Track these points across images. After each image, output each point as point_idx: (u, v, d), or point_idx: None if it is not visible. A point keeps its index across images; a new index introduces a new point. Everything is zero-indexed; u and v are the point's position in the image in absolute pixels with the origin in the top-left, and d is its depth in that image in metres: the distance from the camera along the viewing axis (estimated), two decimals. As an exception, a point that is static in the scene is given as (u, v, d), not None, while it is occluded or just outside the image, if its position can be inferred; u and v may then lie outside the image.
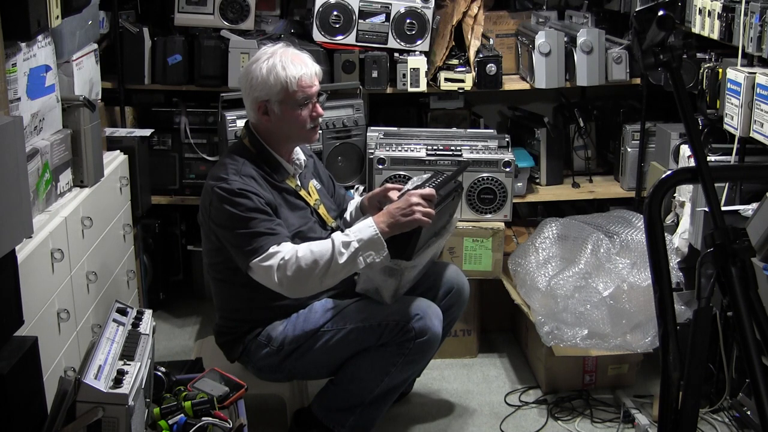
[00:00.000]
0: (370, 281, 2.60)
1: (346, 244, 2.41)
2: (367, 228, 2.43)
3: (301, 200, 2.67)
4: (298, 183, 2.70)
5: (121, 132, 3.43)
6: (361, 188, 3.40)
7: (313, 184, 2.78)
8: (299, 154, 2.74)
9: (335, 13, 3.56)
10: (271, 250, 2.43)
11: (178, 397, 2.32)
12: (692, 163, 2.17)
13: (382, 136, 3.45)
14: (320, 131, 3.31)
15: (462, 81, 3.55)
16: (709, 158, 2.76)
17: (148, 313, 2.37)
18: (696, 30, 3.15)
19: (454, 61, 3.60)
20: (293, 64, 2.54)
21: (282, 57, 2.55)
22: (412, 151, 3.26)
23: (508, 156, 3.25)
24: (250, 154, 2.60)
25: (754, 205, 2.64)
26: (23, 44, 2.43)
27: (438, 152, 3.27)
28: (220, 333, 2.76)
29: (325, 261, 2.40)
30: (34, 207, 2.44)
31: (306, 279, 2.42)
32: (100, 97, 3.25)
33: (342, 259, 2.40)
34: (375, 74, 3.56)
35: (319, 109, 2.62)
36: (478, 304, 3.41)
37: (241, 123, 3.27)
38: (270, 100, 2.54)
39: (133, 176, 3.30)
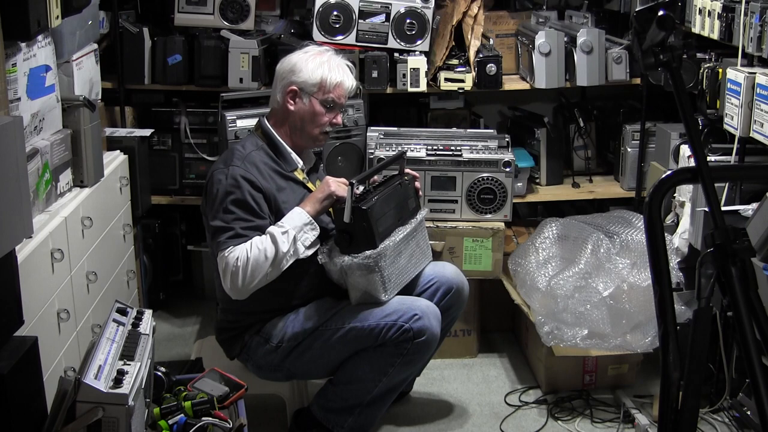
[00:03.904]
0: (357, 289, 2.62)
1: (284, 233, 2.52)
2: (297, 215, 2.57)
3: (309, 192, 2.70)
4: (306, 177, 2.74)
5: (121, 132, 3.43)
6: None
7: (320, 183, 2.81)
8: (310, 153, 2.83)
9: (335, 13, 3.56)
10: (225, 252, 2.50)
11: (178, 397, 2.32)
12: (692, 163, 2.17)
13: (382, 136, 3.45)
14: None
15: (462, 81, 3.55)
16: (709, 158, 2.76)
17: (148, 313, 2.37)
18: (696, 30, 3.15)
19: (454, 61, 3.60)
20: (339, 70, 2.69)
21: (331, 59, 2.70)
22: (412, 151, 3.26)
23: (508, 156, 3.25)
24: (259, 144, 2.67)
25: (754, 205, 2.64)
26: (23, 44, 2.43)
27: (438, 152, 3.27)
28: (221, 329, 2.77)
29: (270, 253, 2.49)
30: (34, 207, 2.44)
31: (255, 276, 2.50)
32: (100, 97, 3.25)
33: (284, 248, 2.51)
34: (375, 74, 3.56)
35: (339, 119, 2.74)
36: (478, 304, 3.41)
37: (241, 123, 3.27)
38: (304, 89, 2.65)
39: (133, 176, 3.30)
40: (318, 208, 2.59)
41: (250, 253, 2.48)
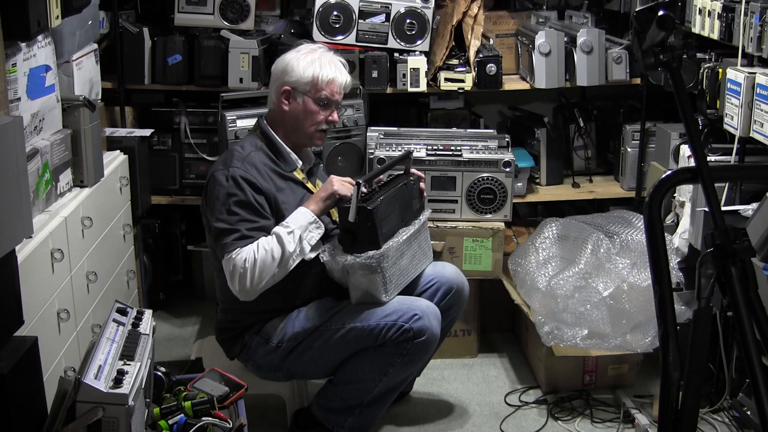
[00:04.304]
0: (358, 288, 2.61)
1: (290, 233, 2.52)
2: (302, 214, 2.57)
3: (309, 192, 2.70)
4: (305, 177, 2.74)
5: (121, 132, 3.43)
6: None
7: (319, 183, 2.81)
8: (309, 152, 2.82)
9: (335, 13, 3.56)
10: (232, 254, 2.50)
11: (178, 397, 2.32)
12: (692, 163, 2.17)
13: (382, 136, 3.45)
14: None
15: (462, 81, 3.55)
16: (709, 158, 2.76)
17: (148, 313, 2.37)
18: (696, 30, 3.15)
19: (454, 61, 3.60)
20: (330, 66, 2.67)
21: (322, 56, 2.69)
22: (413, 151, 3.25)
23: (508, 156, 3.25)
24: (258, 144, 2.67)
25: (754, 205, 2.64)
26: (23, 44, 2.43)
27: (438, 152, 3.27)
28: (221, 329, 2.77)
29: (277, 253, 2.50)
30: (34, 207, 2.44)
31: (263, 277, 2.50)
32: (100, 97, 3.25)
33: (291, 248, 2.51)
34: (375, 74, 3.56)
35: (335, 117, 2.73)
36: (478, 304, 3.41)
37: (241, 123, 3.27)
38: (297, 88, 2.65)
39: (133, 176, 3.30)
40: (322, 207, 2.59)
41: (257, 255, 2.48)
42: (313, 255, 2.60)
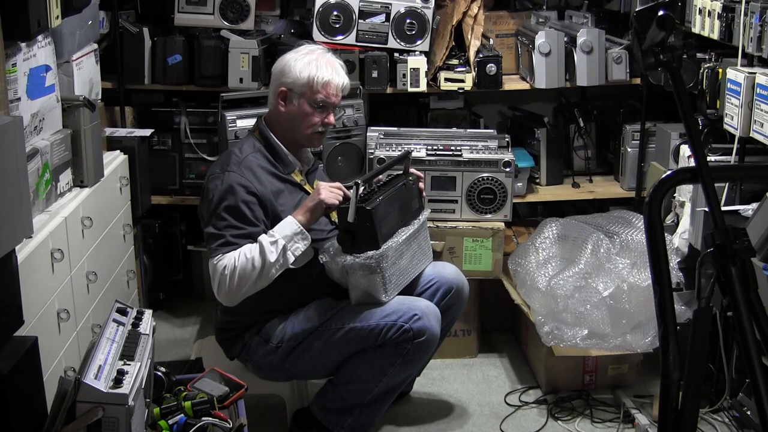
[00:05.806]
0: (357, 288, 2.61)
1: (273, 243, 2.50)
2: (288, 224, 2.53)
3: (307, 194, 2.69)
4: (304, 178, 2.73)
5: (121, 132, 3.43)
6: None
7: (318, 183, 2.81)
8: (308, 153, 2.81)
9: (335, 13, 3.56)
10: (214, 260, 2.50)
11: (178, 397, 2.32)
12: (692, 163, 2.17)
13: (382, 136, 3.45)
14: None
15: (462, 81, 3.55)
16: (709, 158, 2.76)
17: (148, 313, 2.37)
18: (696, 30, 3.15)
19: (454, 61, 3.60)
20: (327, 68, 2.66)
21: (320, 57, 2.67)
22: (412, 151, 3.26)
23: (508, 156, 3.25)
24: (257, 146, 2.66)
25: (754, 205, 2.64)
26: (23, 44, 2.43)
27: (438, 152, 3.27)
28: (220, 329, 2.77)
29: (258, 263, 2.48)
30: (34, 207, 2.44)
31: (242, 285, 2.50)
32: (100, 97, 3.25)
33: (273, 258, 2.48)
34: (375, 74, 3.56)
35: (332, 119, 2.71)
36: (478, 304, 3.41)
37: (241, 123, 3.27)
38: (293, 90, 2.64)
39: (133, 176, 3.30)
40: (309, 217, 2.55)
41: (238, 262, 2.47)
42: (296, 266, 2.58)
